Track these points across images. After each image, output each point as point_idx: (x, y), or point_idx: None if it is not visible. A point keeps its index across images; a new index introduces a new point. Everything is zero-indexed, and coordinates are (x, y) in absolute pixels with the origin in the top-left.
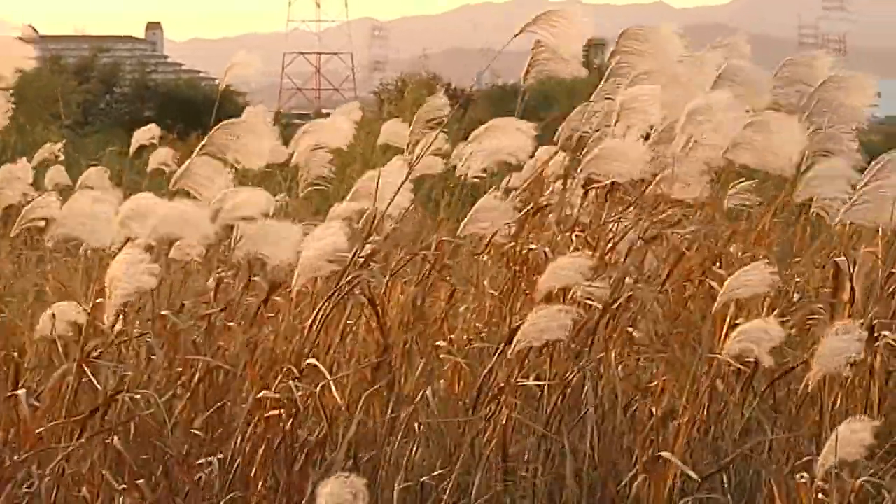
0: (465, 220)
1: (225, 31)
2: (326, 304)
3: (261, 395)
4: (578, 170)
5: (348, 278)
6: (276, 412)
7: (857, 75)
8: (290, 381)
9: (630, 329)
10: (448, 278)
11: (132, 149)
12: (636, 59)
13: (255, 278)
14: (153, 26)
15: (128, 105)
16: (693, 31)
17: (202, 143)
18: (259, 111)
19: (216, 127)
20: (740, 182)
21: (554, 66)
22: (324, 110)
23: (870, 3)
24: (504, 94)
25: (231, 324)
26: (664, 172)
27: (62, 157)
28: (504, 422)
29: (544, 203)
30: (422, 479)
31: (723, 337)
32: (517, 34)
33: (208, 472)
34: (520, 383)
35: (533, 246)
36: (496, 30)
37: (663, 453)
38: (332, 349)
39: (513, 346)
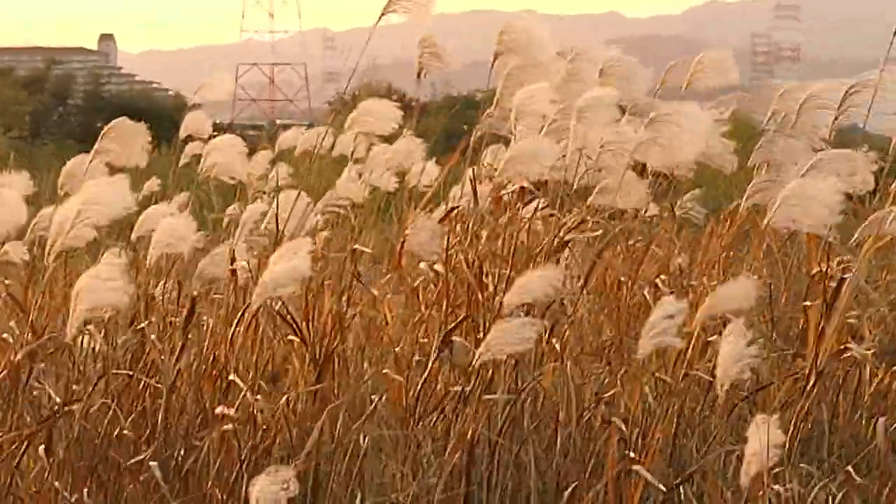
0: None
1: (179, 43)
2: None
3: (218, 410)
4: (497, 173)
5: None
6: (232, 427)
7: (711, 52)
8: (249, 395)
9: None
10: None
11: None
12: (511, 56)
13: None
14: (106, 38)
15: (81, 117)
16: (647, 42)
17: (94, 148)
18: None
19: (104, 130)
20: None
21: (436, 64)
22: (278, 121)
23: (822, 11)
24: (457, 104)
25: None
26: (602, 183)
27: None
28: (469, 435)
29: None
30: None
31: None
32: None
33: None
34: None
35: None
36: (451, 41)
37: (635, 467)
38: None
39: (476, 357)
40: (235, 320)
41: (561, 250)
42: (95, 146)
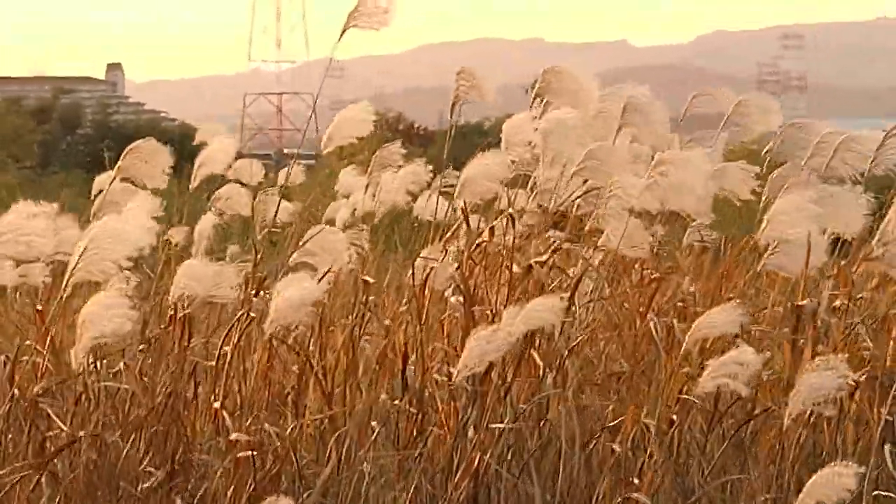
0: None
1: (185, 72)
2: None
3: (233, 437)
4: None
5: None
6: (248, 453)
7: (761, 97)
8: (265, 424)
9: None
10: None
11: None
12: (555, 98)
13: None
14: (113, 67)
15: (89, 146)
16: (655, 71)
17: (116, 166)
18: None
19: (126, 151)
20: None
21: (475, 97)
22: (286, 150)
23: (826, 40)
24: (465, 133)
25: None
26: (608, 228)
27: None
28: (476, 464)
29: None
30: None
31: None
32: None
33: None
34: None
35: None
36: (456, 69)
37: (634, 495)
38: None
39: (456, 374)
40: (231, 342)
41: (528, 274)
42: (117, 165)
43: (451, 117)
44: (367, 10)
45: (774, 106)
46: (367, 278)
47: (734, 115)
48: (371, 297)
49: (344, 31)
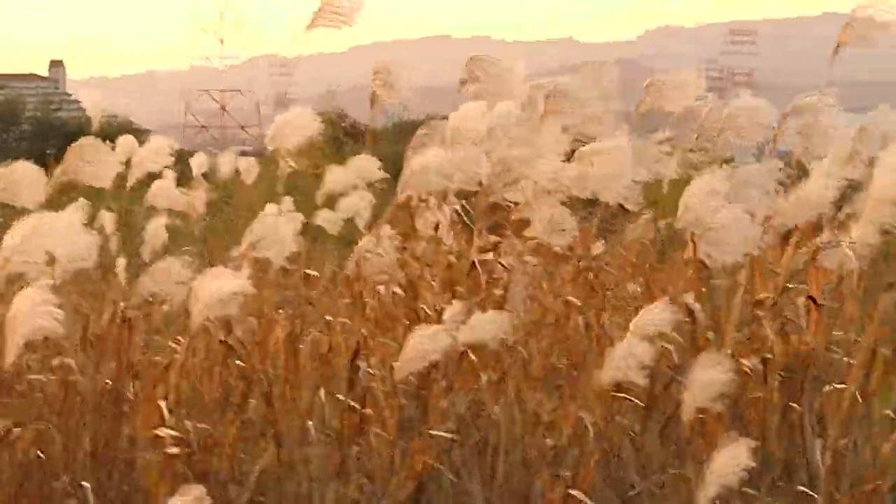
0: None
1: (125, 69)
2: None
3: (157, 431)
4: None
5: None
6: (176, 450)
7: (680, 72)
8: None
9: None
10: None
11: None
12: (479, 86)
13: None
14: (56, 64)
15: (29, 143)
16: (603, 67)
17: (59, 168)
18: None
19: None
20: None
21: (388, 93)
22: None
23: (775, 35)
24: (412, 128)
25: None
26: (537, 216)
27: None
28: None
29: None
30: None
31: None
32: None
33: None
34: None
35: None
36: (407, 66)
37: (572, 492)
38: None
39: (398, 371)
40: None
41: (472, 270)
42: (61, 165)
43: (374, 116)
44: (335, 7)
45: (690, 77)
46: (310, 272)
47: (648, 95)
48: (313, 292)
49: (312, 27)
